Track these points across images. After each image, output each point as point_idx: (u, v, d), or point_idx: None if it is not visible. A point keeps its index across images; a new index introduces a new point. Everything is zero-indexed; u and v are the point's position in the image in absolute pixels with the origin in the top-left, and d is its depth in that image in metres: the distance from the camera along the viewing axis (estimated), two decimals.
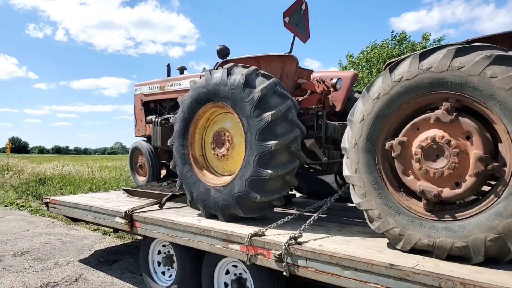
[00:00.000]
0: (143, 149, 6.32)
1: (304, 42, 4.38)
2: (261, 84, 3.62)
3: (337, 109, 4.76)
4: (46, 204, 5.79)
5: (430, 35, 23.86)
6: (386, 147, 2.77)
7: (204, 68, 5.80)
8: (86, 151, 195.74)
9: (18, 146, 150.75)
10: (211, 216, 4.02)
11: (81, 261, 5.66)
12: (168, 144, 4.41)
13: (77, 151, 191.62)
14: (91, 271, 5.24)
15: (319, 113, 4.15)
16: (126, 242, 6.80)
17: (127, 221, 4.35)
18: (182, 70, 6.08)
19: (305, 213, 3.72)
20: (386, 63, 2.87)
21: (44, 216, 8.91)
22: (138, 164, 6.57)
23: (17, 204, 10.42)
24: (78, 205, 5.22)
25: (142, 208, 4.53)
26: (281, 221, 3.44)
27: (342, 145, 3.05)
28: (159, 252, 4.53)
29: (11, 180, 13.43)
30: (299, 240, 3.02)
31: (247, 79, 3.66)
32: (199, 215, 4.20)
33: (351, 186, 2.99)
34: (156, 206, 4.69)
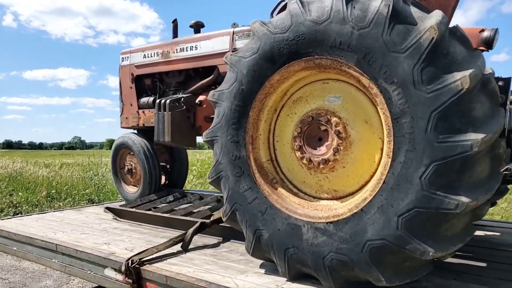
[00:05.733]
0: (134, 146, 4.26)
1: None
2: (426, 19, 1.75)
3: None
4: None
5: None
6: None
7: (234, 24, 3.82)
8: (41, 146, 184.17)
9: None
10: (297, 276, 2.14)
11: None
12: (205, 139, 2.43)
13: (32, 146, 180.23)
14: None
15: (499, 83, 2.31)
16: None
17: (131, 280, 2.37)
18: (197, 27, 4.04)
19: None
20: None
21: None
22: (126, 168, 4.49)
23: None
24: (34, 240, 3.14)
25: (156, 252, 2.55)
26: None
27: None
28: None
29: None
30: None
31: (396, 8, 1.77)
32: (264, 267, 2.31)
33: None
34: (177, 246, 2.73)
